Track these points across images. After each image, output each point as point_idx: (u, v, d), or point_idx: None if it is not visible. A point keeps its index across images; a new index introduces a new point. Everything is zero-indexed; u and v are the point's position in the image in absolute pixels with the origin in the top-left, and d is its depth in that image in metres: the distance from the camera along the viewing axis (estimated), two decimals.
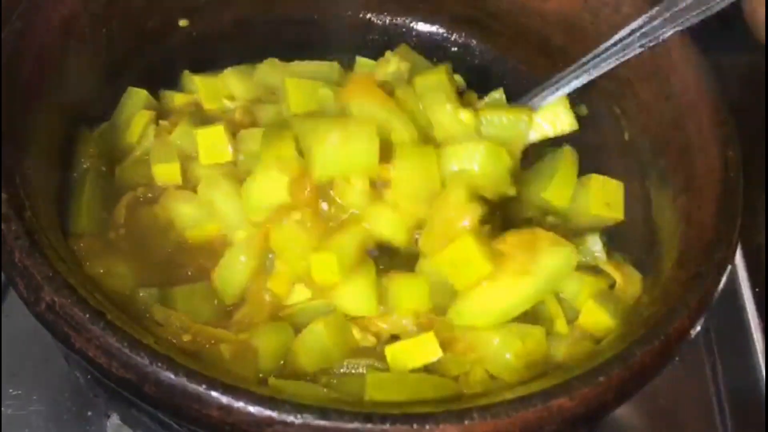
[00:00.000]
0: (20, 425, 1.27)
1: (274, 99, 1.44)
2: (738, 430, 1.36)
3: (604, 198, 1.33)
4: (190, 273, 1.22)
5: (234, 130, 1.33)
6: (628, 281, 1.20)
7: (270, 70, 1.48)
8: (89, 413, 1.28)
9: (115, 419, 1.25)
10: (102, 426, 1.27)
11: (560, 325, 1.18)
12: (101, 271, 1.14)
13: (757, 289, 1.50)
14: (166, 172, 1.29)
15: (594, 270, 1.23)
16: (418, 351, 1.12)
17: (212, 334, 1.11)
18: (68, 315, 0.93)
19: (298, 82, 1.39)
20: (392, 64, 1.48)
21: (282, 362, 1.12)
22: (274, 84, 1.46)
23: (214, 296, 1.19)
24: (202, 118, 1.38)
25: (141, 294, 1.14)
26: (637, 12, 1.31)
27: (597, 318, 1.16)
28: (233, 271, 1.19)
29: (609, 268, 1.22)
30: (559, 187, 1.34)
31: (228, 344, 1.10)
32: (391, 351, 1.12)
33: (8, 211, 1.00)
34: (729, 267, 1.05)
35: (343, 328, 1.14)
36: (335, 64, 1.49)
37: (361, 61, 1.56)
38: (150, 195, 1.28)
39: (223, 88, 1.45)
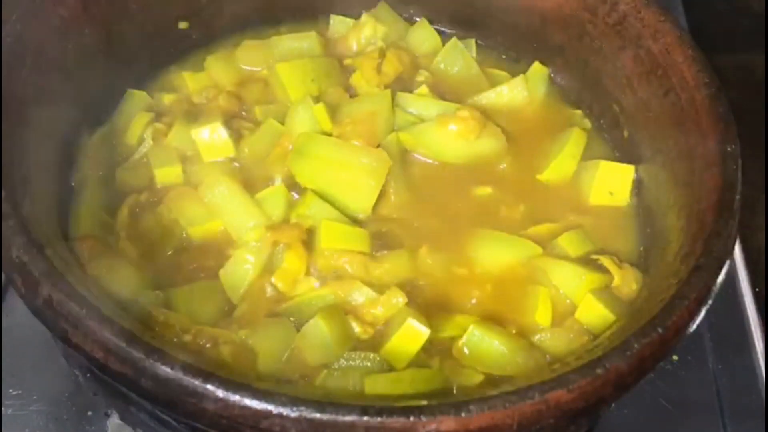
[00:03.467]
0: (20, 425, 1.26)
1: (259, 77, 1.46)
2: (738, 430, 1.35)
3: (608, 187, 1.34)
4: (193, 272, 1.22)
5: (225, 118, 1.34)
6: (627, 279, 1.21)
7: (249, 52, 1.49)
8: (89, 413, 1.28)
9: (115, 419, 1.24)
10: (102, 426, 1.26)
11: (540, 316, 1.19)
12: (104, 272, 1.14)
13: (757, 289, 1.50)
14: (168, 175, 1.29)
15: (593, 266, 1.23)
16: (408, 339, 1.11)
17: (212, 334, 1.11)
18: (65, 310, 0.93)
19: (289, 66, 1.41)
20: (368, 28, 1.49)
21: (284, 360, 1.12)
22: (257, 64, 1.48)
23: (215, 294, 1.19)
24: (192, 113, 1.38)
25: (142, 297, 1.14)
26: (634, 10, 1.32)
27: (595, 312, 1.16)
28: (241, 271, 1.19)
29: (608, 265, 1.22)
30: (557, 168, 1.37)
31: (228, 345, 1.10)
32: (385, 353, 1.12)
33: (7, 208, 1.01)
34: (728, 260, 1.05)
35: (341, 320, 1.14)
36: (313, 35, 1.49)
37: (336, 19, 1.58)
38: (152, 197, 1.28)
39: (209, 79, 1.46)
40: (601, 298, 1.17)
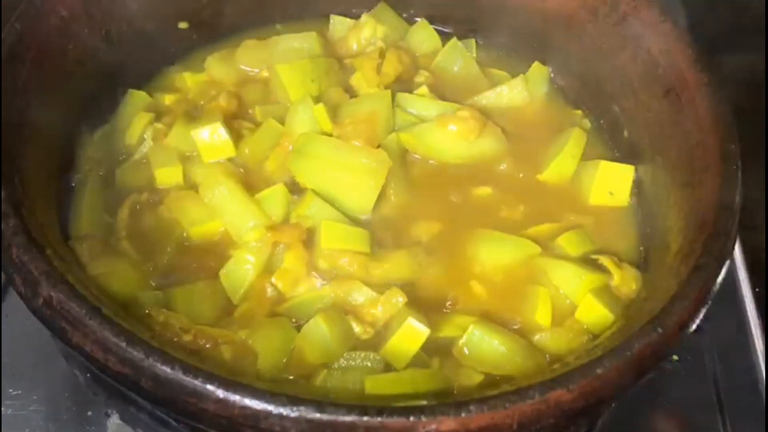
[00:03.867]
0: (20, 425, 1.26)
1: (259, 78, 1.47)
2: (738, 430, 1.35)
3: (608, 187, 1.34)
4: (193, 272, 1.22)
5: (225, 118, 1.34)
6: (626, 279, 1.21)
7: (250, 52, 1.49)
8: (89, 413, 1.27)
9: (115, 418, 1.24)
10: (102, 425, 1.26)
11: (541, 316, 1.19)
12: (104, 272, 1.14)
13: (757, 289, 1.50)
14: (168, 175, 1.30)
15: (593, 265, 1.23)
16: (408, 338, 1.11)
17: (212, 334, 1.11)
18: (65, 310, 0.93)
19: (289, 67, 1.40)
20: (368, 28, 1.49)
21: (285, 360, 1.12)
22: (257, 65, 1.48)
23: (215, 295, 1.19)
24: (192, 113, 1.38)
25: (142, 297, 1.14)
26: (634, 10, 1.32)
27: (595, 312, 1.16)
28: (241, 271, 1.19)
29: (608, 264, 1.22)
30: (557, 168, 1.37)
31: (229, 345, 1.10)
32: (385, 352, 1.12)
33: (7, 208, 1.01)
34: (728, 260, 1.05)
35: (341, 320, 1.14)
36: (313, 35, 1.49)
37: (336, 19, 1.58)
38: (152, 197, 1.28)
39: (209, 79, 1.46)
40: (600, 298, 1.17)
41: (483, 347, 1.12)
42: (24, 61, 1.18)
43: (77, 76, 1.29)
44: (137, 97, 1.41)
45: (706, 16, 1.56)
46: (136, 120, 1.36)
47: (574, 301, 1.19)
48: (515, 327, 1.18)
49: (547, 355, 1.15)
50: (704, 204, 1.10)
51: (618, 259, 1.24)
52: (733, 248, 1.07)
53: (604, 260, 1.22)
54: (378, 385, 1.06)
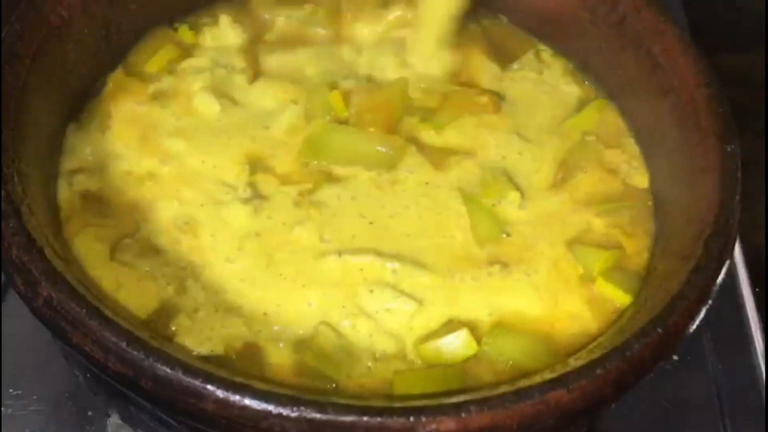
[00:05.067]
0: (20, 425, 1.26)
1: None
2: (738, 430, 1.35)
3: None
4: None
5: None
6: (638, 247, 1.21)
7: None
8: (89, 413, 1.27)
9: (115, 418, 1.24)
10: (102, 425, 1.26)
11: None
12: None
13: (757, 289, 1.50)
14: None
15: (607, 243, 1.22)
16: (455, 348, 1.10)
17: None
18: (65, 310, 0.93)
19: None
20: None
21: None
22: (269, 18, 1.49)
23: None
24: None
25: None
26: (634, 10, 1.32)
27: (610, 294, 1.16)
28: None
29: (619, 236, 1.22)
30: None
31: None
32: (424, 349, 1.10)
33: (6, 209, 1.00)
34: (728, 261, 1.05)
35: None
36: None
37: None
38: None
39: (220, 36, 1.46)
40: (613, 279, 1.17)
41: (501, 344, 1.11)
42: (24, 61, 1.17)
43: (77, 75, 1.29)
44: None
45: (706, 16, 1.56)
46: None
47: (588, 279, 1.18)
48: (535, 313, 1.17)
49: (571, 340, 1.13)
50: (704, 204, 1.10)
51: (629, 228, 1.24)
52: (733, 249, 1.07)
53: (615, 231, 1.23)
54: (406, 381, 1.05)
